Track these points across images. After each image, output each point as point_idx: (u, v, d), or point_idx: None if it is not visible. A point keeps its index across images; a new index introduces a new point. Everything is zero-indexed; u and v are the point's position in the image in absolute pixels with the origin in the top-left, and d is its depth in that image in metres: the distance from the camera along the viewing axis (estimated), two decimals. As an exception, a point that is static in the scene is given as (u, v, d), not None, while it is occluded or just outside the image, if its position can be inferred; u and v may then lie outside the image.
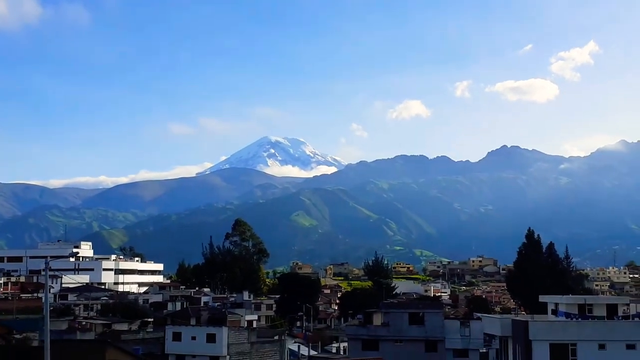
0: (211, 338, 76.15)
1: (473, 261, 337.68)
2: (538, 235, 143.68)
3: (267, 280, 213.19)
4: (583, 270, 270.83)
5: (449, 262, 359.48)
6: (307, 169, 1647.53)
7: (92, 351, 55.31)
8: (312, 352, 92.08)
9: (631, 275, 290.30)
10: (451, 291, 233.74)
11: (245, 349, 77.49)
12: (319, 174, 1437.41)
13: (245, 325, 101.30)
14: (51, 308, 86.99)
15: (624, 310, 65.53)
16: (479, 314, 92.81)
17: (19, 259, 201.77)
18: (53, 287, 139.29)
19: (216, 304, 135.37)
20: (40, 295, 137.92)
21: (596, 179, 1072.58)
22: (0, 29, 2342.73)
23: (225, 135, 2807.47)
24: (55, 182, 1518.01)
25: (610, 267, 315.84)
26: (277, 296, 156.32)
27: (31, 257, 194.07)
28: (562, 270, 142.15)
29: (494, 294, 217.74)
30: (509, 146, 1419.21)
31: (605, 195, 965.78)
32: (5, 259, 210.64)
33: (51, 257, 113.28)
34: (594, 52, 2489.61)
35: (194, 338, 76.75)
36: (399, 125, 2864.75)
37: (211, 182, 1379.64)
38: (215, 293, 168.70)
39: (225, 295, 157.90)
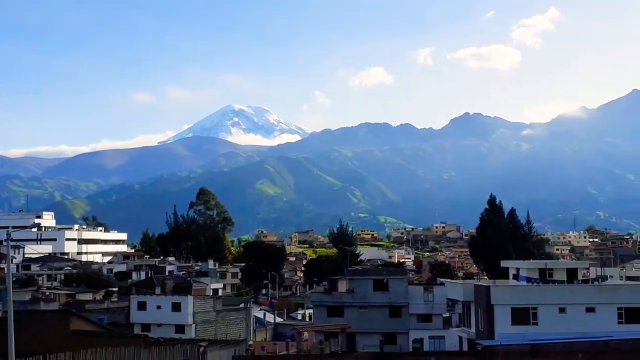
0: (176, 307, 76.19)
1: (436, 227, 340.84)
2: (500, 201, 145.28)
3: (232, 248, 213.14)
4: (544, 234, 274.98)
5: (412, 229, 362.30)
6: (271, 137, 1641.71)
7: (56, 321, 54.95)
8: (278, 319, 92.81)
9: (591, 240, 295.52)
10: (415, 257, 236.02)
11: (211, 317, 77.70)
12: (283, 142, 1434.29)
13: (211, 293, 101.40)
14: (14, 279, 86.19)
15: (584, 274, 66.91)
16: (442, 280, 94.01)
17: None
18: (15, 258, 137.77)
19: (181, 273, 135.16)
20: (2, 265, 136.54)
21: (557, 145, 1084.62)
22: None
23: (188, 103, 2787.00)
24: (15, 152, 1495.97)
25: (571, 232, 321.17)
26: (243, 264, 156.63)
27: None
28: (523, 235, 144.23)
29: (457, 259, 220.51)
30: (471, 113, 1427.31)
31: (565, 161, 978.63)
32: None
33: (13, 227, 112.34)
34: (555, 19, 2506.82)
35: (159, 307, 76.74)
36: (362, 93, 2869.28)
37: (174, 151, 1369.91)
38: (180, 262, 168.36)
39: (190, 264, 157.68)
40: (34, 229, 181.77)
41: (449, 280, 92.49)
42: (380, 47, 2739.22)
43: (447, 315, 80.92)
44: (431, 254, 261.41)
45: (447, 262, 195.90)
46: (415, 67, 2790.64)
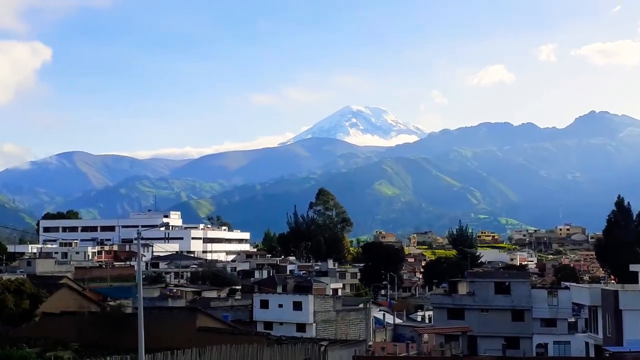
0: (298, 306, 77.20)
1: (560, 229, 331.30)
2: (628, 202, 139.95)
3: (351, 248, 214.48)
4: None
5: (535, 231, 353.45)
6: (389, 138, 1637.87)
7: (183, 318, 57.05)
8: (397, 320, 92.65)
9: None
10: (538, 260, 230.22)
11: (331, 317, 78.41)
12: (401, 143, 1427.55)
13: (331, 293, 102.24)
14: (143, 276, 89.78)
15: None
16: (566, 283, 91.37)
17: (111, 229, 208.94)
18: (145, 256, 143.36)
19: (301, 272, 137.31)
20: (132, 263, 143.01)
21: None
22: (89, 5, 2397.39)
23: (306, 105, 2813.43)
24: (142, 154, 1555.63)
25: None
26: (362, 265, 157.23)
27: (123, 227, 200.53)
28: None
29: (583, 262, 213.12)
30: (597, 111, 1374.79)
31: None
32: (99, 228, 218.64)
33: (143, 226, 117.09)
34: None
35: (280, 306, 77.96)
36: (481, 92, 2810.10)
37: (294, 151, 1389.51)
38: (301, 261, 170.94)
39: (310, 264, 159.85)
40: (162, 228, 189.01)
41: (574, 284, 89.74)
42: (499, 44, 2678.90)
43: (573, 320, 78.52)
44: (555, 256, 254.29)
45: (571, 265, 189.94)
46: (538, 64, 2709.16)
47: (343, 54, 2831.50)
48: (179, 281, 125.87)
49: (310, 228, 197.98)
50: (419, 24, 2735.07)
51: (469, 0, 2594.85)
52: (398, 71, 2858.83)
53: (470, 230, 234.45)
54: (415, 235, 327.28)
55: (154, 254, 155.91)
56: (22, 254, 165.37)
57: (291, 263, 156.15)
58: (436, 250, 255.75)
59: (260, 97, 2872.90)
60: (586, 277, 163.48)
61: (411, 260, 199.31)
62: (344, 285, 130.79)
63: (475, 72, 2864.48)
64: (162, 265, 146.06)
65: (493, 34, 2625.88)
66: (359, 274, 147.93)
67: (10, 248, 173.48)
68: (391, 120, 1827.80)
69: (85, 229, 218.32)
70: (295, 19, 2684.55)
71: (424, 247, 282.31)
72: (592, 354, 63.19)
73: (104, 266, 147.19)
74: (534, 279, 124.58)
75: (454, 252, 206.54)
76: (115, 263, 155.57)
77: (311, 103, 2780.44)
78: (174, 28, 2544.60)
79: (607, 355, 53.30)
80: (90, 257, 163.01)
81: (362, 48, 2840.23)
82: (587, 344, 66.18)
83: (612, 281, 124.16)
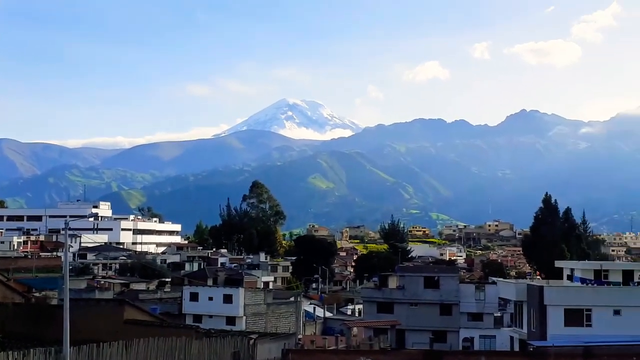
0: (228, 299, 76.89)
1: (489, 225, 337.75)
2: (555, 200, 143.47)
3: (284, 242, 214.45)
4: (599, 235, 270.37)
5: (465, 226, 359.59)
6: (324, 132, 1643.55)
7: (110, 310, 56.02)
8: (328, 314, 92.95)
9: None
10: (467, 255, 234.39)
11: (262, 310, 78.25)
12: (336, 137, 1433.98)
13: (262, 286, 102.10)
14: (70, 267, 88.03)
15: (640, 276, 65.33)
16: (494, 278, 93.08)
17: (38, 218, 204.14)
18: (72, 247, 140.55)
19: (233, 265, 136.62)
20: (59, 254, 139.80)
21: (615, 143, 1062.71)
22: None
23: (242, 96, 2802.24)
24: (73, 142, 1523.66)
25: (627, 233, 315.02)
26: (294, 258, 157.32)
27: (51, 217, 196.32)
28: (578, 235, 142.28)
29: (510, 258, 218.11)
30: (528, 110, 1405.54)
31: (624, 160, 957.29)
32: (25, 217, 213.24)
33: (71, 216, 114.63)
34: (616, 14, 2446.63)
35: (210, 298, 77.53)
36: (416, 87, 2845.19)
37: (228, 143, 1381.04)
38: (232, 254, 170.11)
39: (242, 257, 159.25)
40: (91, 219, 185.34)
41: (501, 279, 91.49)
42: (435, 41, 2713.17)
43: (499, 314, 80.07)
44: (483, 252, 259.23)
45: (499, 260, 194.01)
46: (471, 61, 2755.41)
47: (281, 46, 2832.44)
48: (107, 273, 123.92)
49: (243, 221, 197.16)
50: (357, 19, 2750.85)
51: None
52: (335, 65, 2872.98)
53: (401, 225, 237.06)
54: (347, 229, 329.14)
55: (82, 245, 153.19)
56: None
57: (223, 256, 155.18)
58: (368, 245, 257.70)
59: (195, 87, 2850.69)
60: (513, 273, 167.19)
61: (343, 254, 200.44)
62: (275, 278, 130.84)
63: (411, 68, 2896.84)
64: (90, 257, 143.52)
65: (429, 31, 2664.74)
66: (290, 268, 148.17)
67: None
68: (327, 114, 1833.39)
69: (10, 218, 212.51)
70: (235, 10, 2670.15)
71: (356, 241, 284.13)
72: (516, 348, 64.55)
73: (29, 256, 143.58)
74: (462, 273, 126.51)
75: (385, 246, 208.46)
76: (41, 254, 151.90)
77: (247, 95, 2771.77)
78: (109, 16, 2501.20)
79: (531, 349, 54.48)
80: (15, 247, 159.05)
81: (301, 42, 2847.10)
82: (512, 338, 67.57)
83: (538, 277, 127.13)
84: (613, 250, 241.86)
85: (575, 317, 56.42)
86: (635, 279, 63.02)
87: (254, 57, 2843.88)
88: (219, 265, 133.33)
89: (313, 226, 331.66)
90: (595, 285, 60.62)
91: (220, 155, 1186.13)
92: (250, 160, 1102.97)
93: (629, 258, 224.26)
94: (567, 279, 66.55)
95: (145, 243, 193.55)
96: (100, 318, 53.31)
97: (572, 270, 66.54)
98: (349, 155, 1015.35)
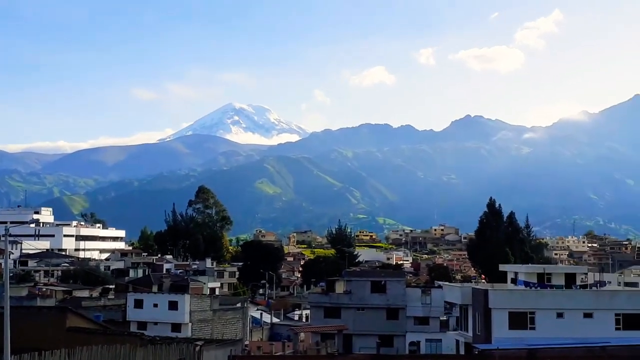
0: (173, 305, 76.00)
1: (435, 230, 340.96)
2: (499, 204, 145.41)
3: (230, 247, 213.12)
4: (543, 239, 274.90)
5: (411, 231, 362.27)
6: (271, 137, 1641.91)
7: (52, 318, 54.83)
8: (275, 320, 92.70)
9: (589, 245, 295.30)
10: (413, 259, 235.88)
11: (208, 317, 77.53)
12: (283, 142, 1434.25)
13: (208, 292, 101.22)
14: (11, 274, 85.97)
15: (582, 279, 66.59)
16: (440, 282, 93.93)
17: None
18: (13, 253, 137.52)
19: (178, 271, 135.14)
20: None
21: (558, 149, 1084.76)
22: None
23: (189, 101, 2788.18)
24: (13, 147, 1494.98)
25: (570, 237, 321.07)
26: (240, 264, 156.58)
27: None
28: (522, 239, 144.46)
29: (455, 262, 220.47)
30: (472, 115, 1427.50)
31: (566, 165, 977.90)
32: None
33: (11, 222, 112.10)
34: (559, 21, 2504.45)
35: (155, 305, 76.54)
36: (363, 92, 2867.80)
37: (174, 148, 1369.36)
38: (178, 260, 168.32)
39: (188, 263, 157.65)
40: (32, 225, 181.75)
41: (446, 283, 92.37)
42: (382, 46, 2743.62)
43: (445, 318, 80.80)
44: (429, 256, 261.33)
45: (445, 264, 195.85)
46: (417, 67, 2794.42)
47: (228, 51, 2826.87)
48: (48, 280, 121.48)
49: (188, 226, 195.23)
50: (305, 24, 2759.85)
51: (353, 2, 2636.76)
52: (282, 70, 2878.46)
53: (349, 230, 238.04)
54: (295, 234, 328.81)
55: (23, 251, 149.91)
56: None
57: (168, 262, 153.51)
58: (315, 250, 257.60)
59: (141, 91, 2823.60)
60: (458, 277, 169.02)
61: (290, 259, 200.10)
62: (222, 284, 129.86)
63: (357, 73, 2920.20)
64: (32, 264, 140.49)
65: (376, 36, 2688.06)
66: (237, 273, 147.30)
67: None
68: (274, 119, 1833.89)
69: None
70: (182, 13, 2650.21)
71: (303, 246, 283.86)
72: (462, 352, 65.17)
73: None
74: (409, 278, 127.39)
75: (332, 251, 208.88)
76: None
77: (193, 99, 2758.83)
78: (53, 16, 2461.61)
79: (476, 352, 54.98)
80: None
81: (248, 46, 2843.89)
82: (457, 341, 68.23)
83: (483, 280, 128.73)
84: (556, 254, 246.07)
85: (520, 320, 57.21)
86: (577, 282, 64.19)
87: (200, 61, 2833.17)
88: (164, 272, 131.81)
89: (260, 231, 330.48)
90: (538, 288, 61.53)
91: (166, 160, 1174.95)
92: (196, 165, 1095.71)
93: (571, 261, 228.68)
94: (511, 282, 67.42)
95: (89, 249, 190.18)
96: (42, 326, 52.19)
97: (516, 273, 67.46)
98: (296, 160, 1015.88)
